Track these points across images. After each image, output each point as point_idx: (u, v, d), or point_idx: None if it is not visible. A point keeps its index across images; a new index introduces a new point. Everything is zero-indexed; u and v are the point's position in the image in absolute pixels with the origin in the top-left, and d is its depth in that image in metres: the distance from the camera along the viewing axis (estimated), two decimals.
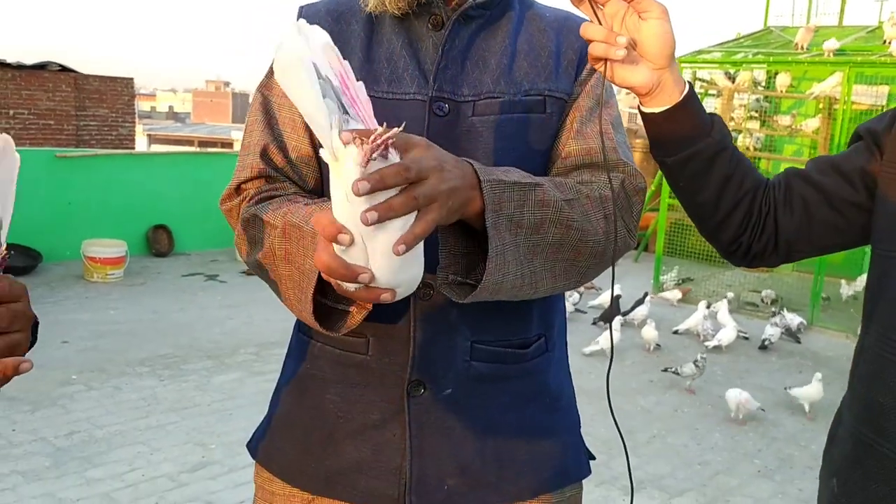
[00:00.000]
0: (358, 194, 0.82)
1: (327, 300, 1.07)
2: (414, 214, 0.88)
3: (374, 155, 0.83)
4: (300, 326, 1.29)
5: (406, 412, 1.17)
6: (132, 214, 8.19)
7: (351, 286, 0.92)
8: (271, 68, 1.22)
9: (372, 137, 0.82)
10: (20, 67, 13.36)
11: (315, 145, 1.20)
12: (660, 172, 8.37)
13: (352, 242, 0.86)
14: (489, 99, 1.16)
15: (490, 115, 1.15)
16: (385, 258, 0.88)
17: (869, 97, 8.28)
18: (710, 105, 8.80)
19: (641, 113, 1.08)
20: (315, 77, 0.82)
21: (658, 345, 6.08)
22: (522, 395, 1.23)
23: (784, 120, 8.61)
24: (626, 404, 4.81)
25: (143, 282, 7.34)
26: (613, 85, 1.09)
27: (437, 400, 1.17)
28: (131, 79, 15.28)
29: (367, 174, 0.83)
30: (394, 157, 0.86)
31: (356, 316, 1.04)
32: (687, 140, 1.06)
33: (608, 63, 1.00)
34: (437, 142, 1.02)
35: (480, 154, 1.14)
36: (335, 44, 0.96)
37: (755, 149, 8.65)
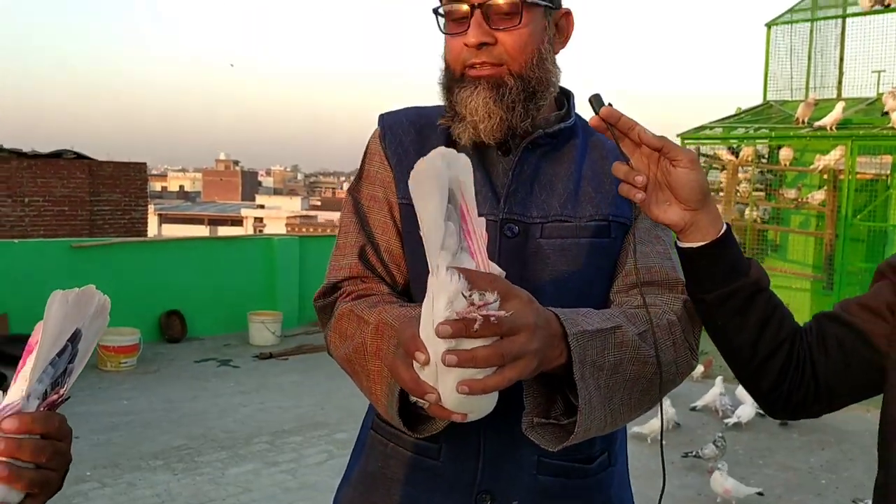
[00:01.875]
0: (438, 336, 0.86)
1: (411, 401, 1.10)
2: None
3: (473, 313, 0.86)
4: (374, 425, 1.32)
5: None
6: (146, 300, 8.24)
7: (421, 401, 0.95)
8: (360, 172, 1.34)
9: (473, 302, 0.86)
10: (36, 156, 13.67)
11: (403, 245, 1.28)
12: None
13: (426, 363, 0.90)
14: (557, 222, 1.22)
15: (557, 239, 1.22)
16: (452, 388, 0.91)
17: (873, 167, 8.37)
18: (715, 179, 8.90)
19: (678, 249, 1.11)
20: (445, 198, 0.87)
21: (677, 423, 5.99)
22: None
23: (790, 193, 8.69)
24: (649, 489, 4.70)
25: (156, 369, 7.33)
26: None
27: None
28: (144, 163, 15.61)
29: (455, 317, 0.86)
30: (490, 296, 0.89)
31: (438, 423, 1.09)
32: (725, 277, 1.07)
33: (637, 201, 1.06)
34: (506, 261, 1.10)
35: (547, 274, 1.20)
36: (417, 155, 1.05)
37: (762, 221, 8.71)
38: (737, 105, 9.11)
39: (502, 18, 1.18)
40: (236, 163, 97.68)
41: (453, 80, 1.23)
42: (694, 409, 6.47)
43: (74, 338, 0.86)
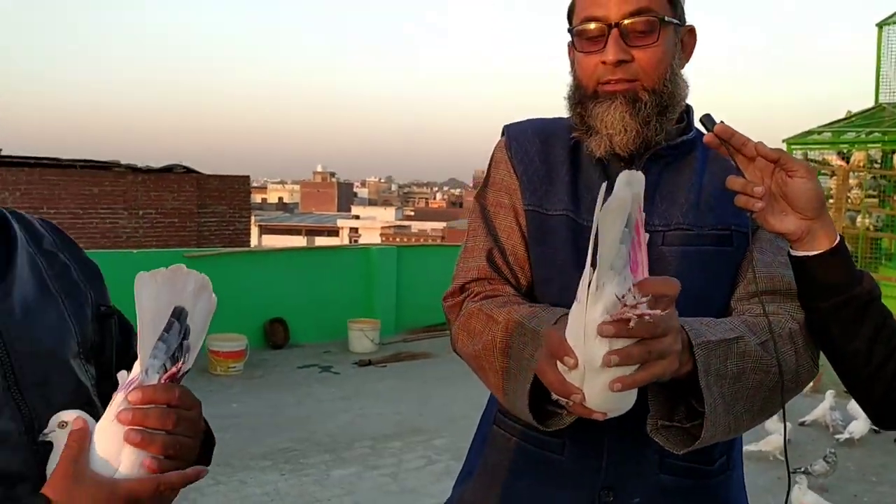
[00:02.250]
0: (601, 335, 0.94)
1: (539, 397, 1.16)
2: None
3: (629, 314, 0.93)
4: (496, 420, 1.38)
5: None
6: (251, 308, 8.58)
7: (563, 400, 1.02)
8: (486, 180, 1.41)
9: (626, 303, 0.93)
10: (149, 171, 14.46)
11: (527, 248, 1.34)
12: None
13: (575, 366, 0.97)
14: (678, 230, 1.27)
15: (679, 246, 1.26)
16: (601, 388, 0.98)
17: None
18: (824, 185, 8.55)
19: (791, 258, 1.13)
20: (624, 226, 0.94)
21: (788, 438, 5.78)
22: None
23: None
24: None
25: (261, 374, 7.63)
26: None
27: None
28: (247, 176, 16.27)
29: (619, 320, 0.93)
30: (641, 297, 0.95)
31: (566, 418, 1.15)
32: (841, 286, 1.10)
33: (756, 211, 1.09)
34: None
35: None
36: (542, 164, 1.21)
37: (875, 228, 8.31)
38: (847, 108, 8.73)
39: (639, 36, 1.22)
40: (332, 174, 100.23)
41: (586, 95, 1.28)
42: (803, 423, 6.23)
43: (179, 314, 0.93)
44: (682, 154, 1.32)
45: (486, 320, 1.25)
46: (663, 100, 1.25)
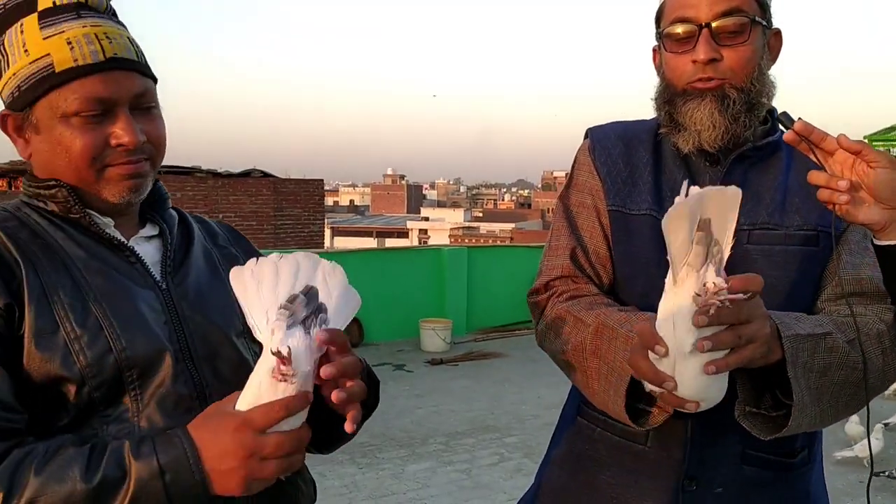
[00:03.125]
0: (697, 326, 1.01)
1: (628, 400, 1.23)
2: None
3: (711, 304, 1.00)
4: (580, 411, 1.44)
5: (678, 503, 1.29)
6: None
7: (657, 389, 1.09)
8: (570, 181, 1.47)
9: (716, 290, 1.00)
10: (229, 176, 14.94)
11: (610, 248, 1.40)
12: None
13: (666, 354, 1.04)
14: (764, 230, 1.30)
15: (765, 245, 1.29)
16: (693, 374, 1.05)
17: None
18: None
19: (875, 247, 1.15)
20: (691, 231, 1.02)
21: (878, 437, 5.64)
22: (785, 502, 1.32)
23: None
24: None
25: None
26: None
27: (708, 497, 1.29)
28: (321, 180, 16.63)
29: (704, 308, 1.00)
30: (723, 282, 1.02)
31: (657, 417, 1.21)
32: None
33: (842, 203, 1.11)
34: None
35: None
36: (625, 166, 1.28)
37: None
38: None
39: (729, 36, 1.26)
40: (402, 177, 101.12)
41: (676, 93, 1.31)
42: (887, 425, 6.05)
43: (308, 292, 0.98)
44: (768, 154, 1.35)
45: (574, 322, 1.30)
46: (751, 97, 1.28)
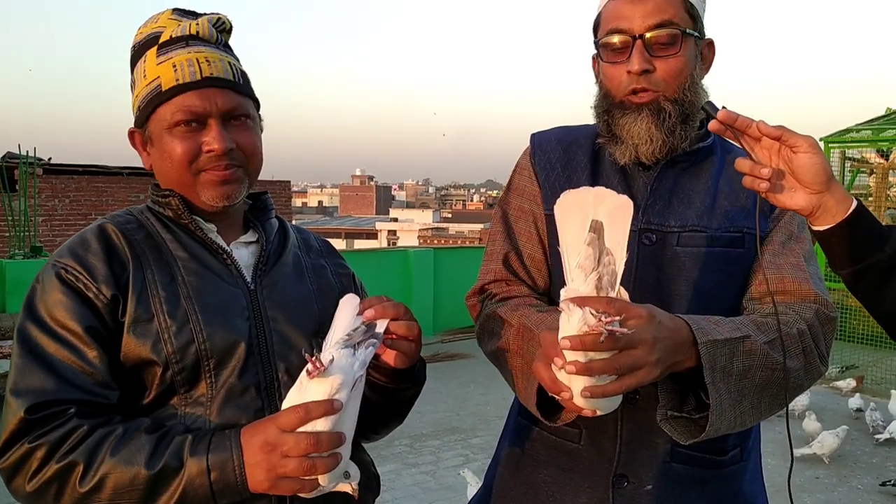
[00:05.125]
0: (563, 348, 1.03)
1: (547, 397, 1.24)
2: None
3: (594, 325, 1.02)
4: (520, 411, 1.48)
5: (610, 500, 1.32)
6: None
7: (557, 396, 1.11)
8: (509, 185, 1.50)
9: (601, 319, 1.01)
10: None
11: (546, 252, 1.43)
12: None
13: (562, 367, 1.06)
14: (693, 232, 1.32)
15: (693, 247, 1.32)
16: (580, 392, 1.06)
17: None
18: (863, 183, 8.44)
19: (811, 231, 1.16)
20: (583, 228, 1.05)
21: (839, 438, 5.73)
22: (717, 500, 1.34)
23: None
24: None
25: None
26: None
27: (639, 494, 1.32)
28: (288, 181, 16.54)
29: (577, 333, 1.02)
30: (614, 315, 1.03)
31: (566, 414, 1.23)
32: (858, 254, 1.10)
33: (762, 191, 1.12)
34: (644, 267, 1.25)
35: (682, 279, 1.30)
36: (563, 170, 1.30)
37: None
38: (887, 105, 8.60)
39: (661, 48, 1.29)
40: (371, 178, 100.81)
41: (613, 104, 1.34)
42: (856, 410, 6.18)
43: (369, 324, 1.15)
44: (701, 159, 1.38)
45: (501, 323, 1.34)
46: (685, 108, 1.31)
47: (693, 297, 1.29)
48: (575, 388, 1.06)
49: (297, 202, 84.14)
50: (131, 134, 1.31)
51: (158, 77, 1.24)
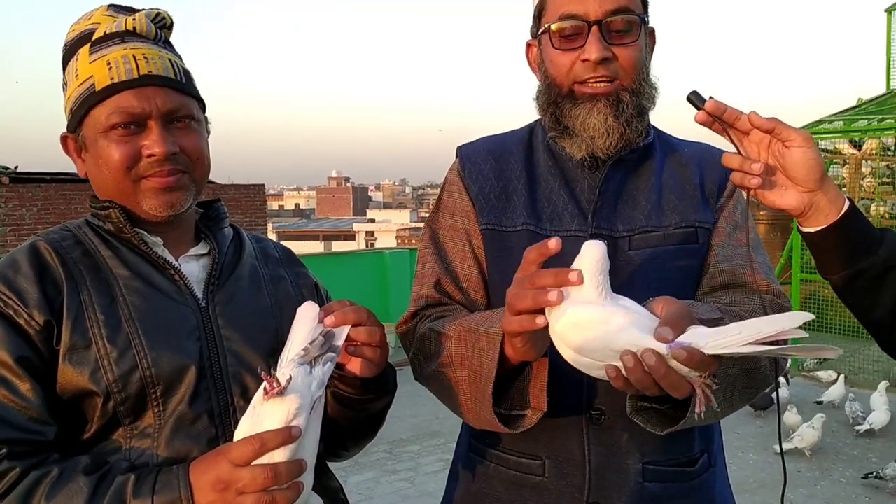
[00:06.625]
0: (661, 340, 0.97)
1: (502, 409, 1.16)
2: None
3: None
4: (471, 446, 1.36)
5: None
6: None
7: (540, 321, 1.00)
8: (438, 203, 1.40)
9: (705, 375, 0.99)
10: None
11: (482, 270, 1.33)
12: (787, 245, 8.08)
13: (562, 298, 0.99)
14: (644, 233, 1.26)
15: (645, 248, 1.25)
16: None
17: None
18: (836, 174, 8.48)
19: (800, 232, 1.08)
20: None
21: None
22: None
23: None
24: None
25: None
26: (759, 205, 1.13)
27: None
28: (262, 185, 16.39)
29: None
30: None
31: (531, 417, 1.14)
32: (850, 258, 1.03)
33: (753, 188, 1.03)
34: None
35: (639, 283, 1.23)
36: (497, 181, 1.24)
37: (890, 216, 8.23)
38: (858, 96, 8.65)
39: (618, 35, 1.21)
40: (347, 179, 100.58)
41: (561, 95, 1.25)
42: (820, 403, 6.23)
43: (326, 334, 1.07)
44: (641, 158, 1.31)
45: (438, 338, 1.24)
46: (642, 100, 1.24)
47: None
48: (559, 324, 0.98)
49: (274, 205, 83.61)
50: (64, 139, 1.21)
51: (91, 76, 1.14)
